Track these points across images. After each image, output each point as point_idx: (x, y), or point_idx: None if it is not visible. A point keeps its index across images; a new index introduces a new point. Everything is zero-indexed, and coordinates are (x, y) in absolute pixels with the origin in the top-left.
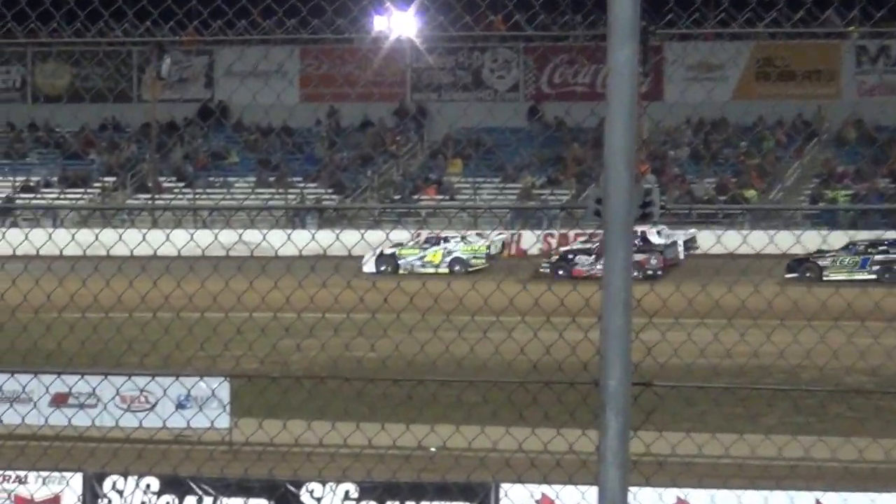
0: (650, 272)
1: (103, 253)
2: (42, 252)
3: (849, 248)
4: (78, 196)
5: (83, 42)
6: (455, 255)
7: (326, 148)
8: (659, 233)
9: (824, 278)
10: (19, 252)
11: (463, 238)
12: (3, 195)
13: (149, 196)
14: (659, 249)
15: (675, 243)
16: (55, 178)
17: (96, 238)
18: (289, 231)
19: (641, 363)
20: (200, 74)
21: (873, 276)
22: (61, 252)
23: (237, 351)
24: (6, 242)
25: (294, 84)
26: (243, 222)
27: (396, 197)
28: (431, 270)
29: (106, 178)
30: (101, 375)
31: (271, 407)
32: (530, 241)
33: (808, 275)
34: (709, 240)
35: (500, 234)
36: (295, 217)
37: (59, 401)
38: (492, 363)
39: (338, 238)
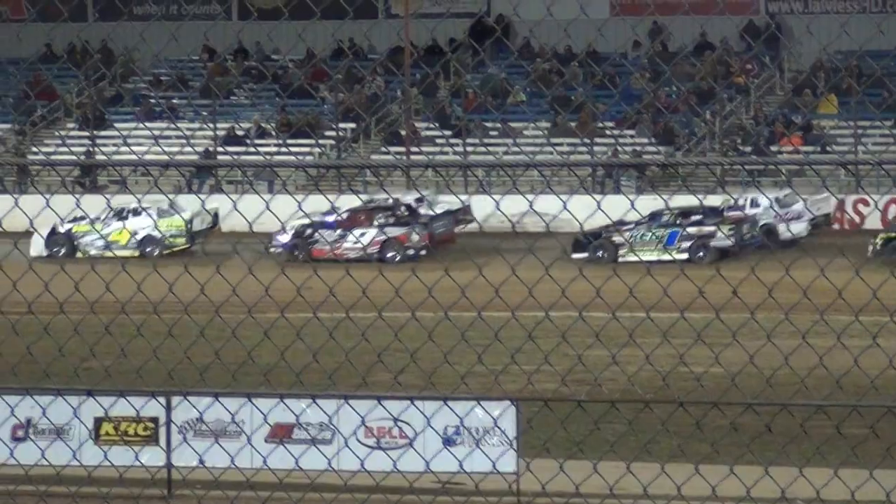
0: (410, 252)
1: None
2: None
3: (652, 218)
4: (304, 150)
5: None
6: (146, 231)
7: (647, 81)
8: (421, 199)
9: (619, 259)
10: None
11: (159, 211)
12: (201, 148)
13: (402, 150)
14: (423, 222)
15: (447, 213)
16: (272, 125)
17: (333, 208)
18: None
19: None
20: None
21: (684, 256)
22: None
23: (528, 364)
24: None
25: None
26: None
27: (746, 149)
28: (121, 252)
29: (343, 125)
30: (339, 399)
31: (576, 443)
32: None
33: (600, 254)
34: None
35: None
36: (607, 178)
37: (281, 434)
38: (886, 380)
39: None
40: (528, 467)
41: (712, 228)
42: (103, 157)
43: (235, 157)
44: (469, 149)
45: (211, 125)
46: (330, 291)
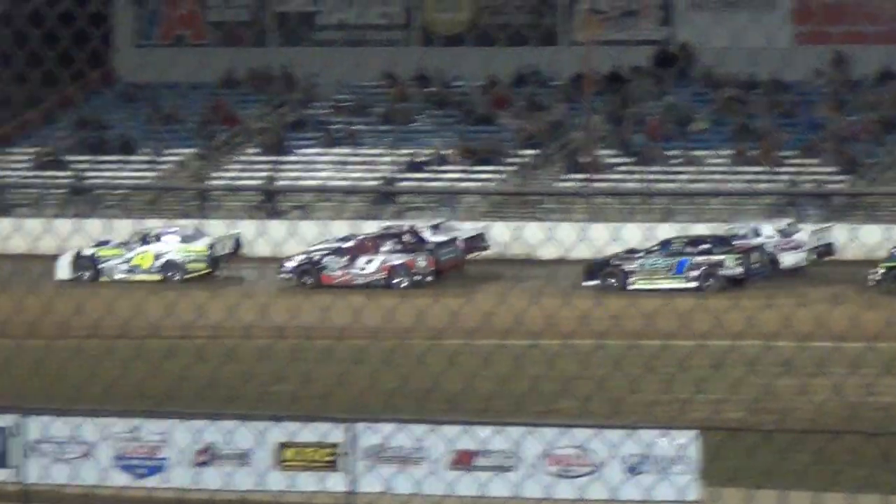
0: (417, 277)
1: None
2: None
3: (663, 246)
4: (486, 176)
5: None
6: (168, 256)
7: (830, 109)
8: (437, 227)
9: (629, 286)
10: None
11: (184, 236)
12: (383, 175)
13: (584, 177)
14: (429, 248)
15: (453, 241)
16: (453, 151)
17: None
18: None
19: None
20: (653, 7)
21: (693, 284)
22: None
23: (714, 393)
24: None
25: (787, 19)
26: (715, 210)
27: None
28: (143, 277)
29: (524, 151)
30: (526, 427)
31: (763, 473)
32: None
33: (610, 281)
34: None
35: (236, 232)
36: (789, 206)
37: (464, 461)
38: None
39: None
40: (711, 497)
41: (721, 257)
42: (285, 183)
43: (421, 183)
44: (651, 176)
45: (392, 151)
46: (515, 320)
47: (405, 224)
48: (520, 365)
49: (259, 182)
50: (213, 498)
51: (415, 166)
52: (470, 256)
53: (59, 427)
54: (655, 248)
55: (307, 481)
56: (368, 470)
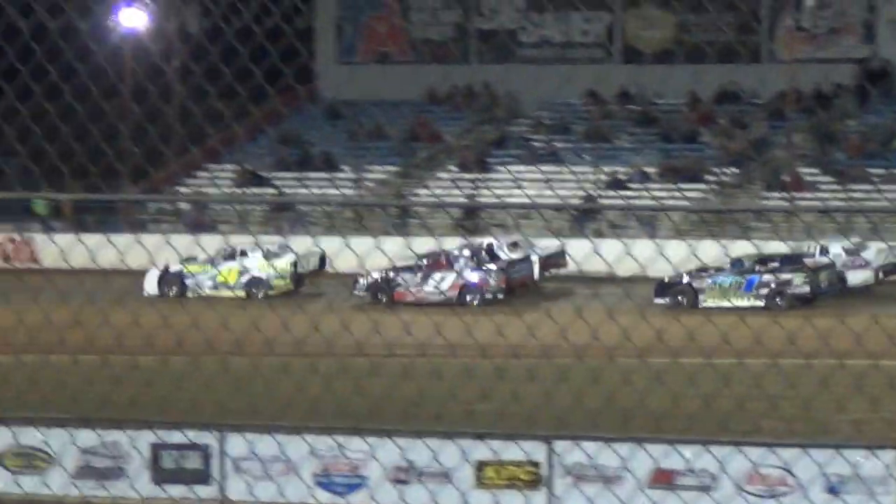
0: (489, 296)
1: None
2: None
3: (733, 265)
4: (690, 194)
5: None
6: (253, 273)
7: None
8: (516, 244)
9: (700, 305)
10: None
11: (268, 252)
12: (583, 192)
13: (785, 194)
14: (500, 266)
15: (527, 258)
16: (655, 170)
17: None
18: None
19: None
20: (857, 24)
21: (760, 303)
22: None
23: None
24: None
25: None
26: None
27: None
28: (228, 293)
29: (725, 169)
30: (730, 446)
31: None
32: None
33: (680, 299)
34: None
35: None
36: None
37: (663, 480)
38: None
39: None
40: None
41: (789, 276)
42: (487, 200)
43: (626, 200)
44: (854, 195)
45: (594, 168)
46: (722, 339)
47: (484, 241)
48: (727, 383)
49: (461, 199)
50: None
51: (616, 184)
52: (551, 272)
53: (264, 445)
54: (726, 266)
55: (509, 500)
56: (569, 488)
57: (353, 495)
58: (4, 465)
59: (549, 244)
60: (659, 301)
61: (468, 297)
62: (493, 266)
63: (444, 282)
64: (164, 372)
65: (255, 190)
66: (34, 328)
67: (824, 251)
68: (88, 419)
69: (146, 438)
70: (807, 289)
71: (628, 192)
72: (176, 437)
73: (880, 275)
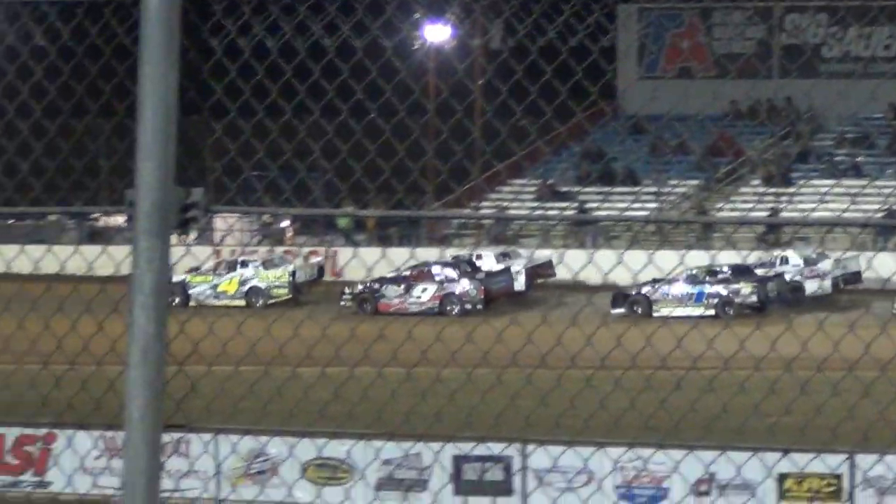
0: (468, 306)
1: None
2: None
3: (685, 276)
4: None
5: None
6: (252, 283)
7: None
8: (506, 255)
9: (654, 314)
10: None
11: (265, 263)
12: (886, 207)
13: None
14: (479, 277)
15: (507, 270)
16: None
17: None
18: None
19: None
20: None
21: (710, 312)
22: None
23: None
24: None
25: None
26: None
27: None
28: (227, 302)
29: None
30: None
31: None
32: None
33: (636, 309)
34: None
35: (318, 257)
36: None
37: None
38: None
39: None
40: None
41: (737, 286)
42: (790, 215)
43: None
44: None
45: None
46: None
47: (471, 252)
48: None
49: (764, 214)
50: None
51: None
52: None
53: (566, 458)
54: (678, 277)
55: None
56: (869, 499)
57: None
58: (307, 476)
59: (540, 255)
60: (615, 311)
61: (448, 308)
62: (471, 278)
63: (425, 293)
64: (468, 385)
65: (557, 204)
66: (341, 342)
67: (784, 261)
68: (392, 433)
69: (449, 451)
70: (753, 299)
71: None
72: (478, 449)
73: (841, 284)
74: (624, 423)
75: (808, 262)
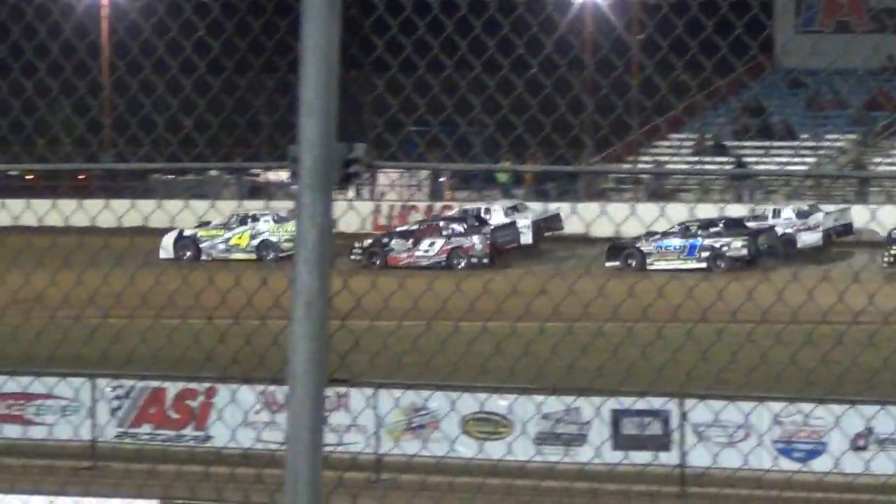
0: (474, 259)
1: None
2: None
3: (679, 229)
4: None
5: None
6: (263, 237)
7: None
8: (515, 208)
9: (648, 267)
10: None
11: (278, 217)
12: None
13: None
14: (485, 232)
15: (513, 224)
16: None
17: None
18: None
19: None
20: None
21: (702, 265)
22: None
23: None
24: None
25: None
26: None
27: None
28: (239, 255)
29: None
30: None
31: None
32: None
33: (630, 262)
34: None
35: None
36: None
37: None
38: None
39: None
40: None
41: (728, 239)
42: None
43: None
44: None
45: None
46: None
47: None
48: None
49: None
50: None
51: None
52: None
53: (727, 412)
54: (672, 230)
55: None
56: None
57: (814, 461)
58: (467, 430)
59: (548, 208)
60: (609, 264)
61: (454, 262)
62: (478, 232)
63: (433, 247)
64: (628, 339)
65: (715, 159)
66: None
67: (777, 214)
68: (553, 388)
69: (608, 406)
70: (744, 252)
71: None
72: (638, 404)
73: (833, 236)
74: (784, 378)
75: (801, 214)
